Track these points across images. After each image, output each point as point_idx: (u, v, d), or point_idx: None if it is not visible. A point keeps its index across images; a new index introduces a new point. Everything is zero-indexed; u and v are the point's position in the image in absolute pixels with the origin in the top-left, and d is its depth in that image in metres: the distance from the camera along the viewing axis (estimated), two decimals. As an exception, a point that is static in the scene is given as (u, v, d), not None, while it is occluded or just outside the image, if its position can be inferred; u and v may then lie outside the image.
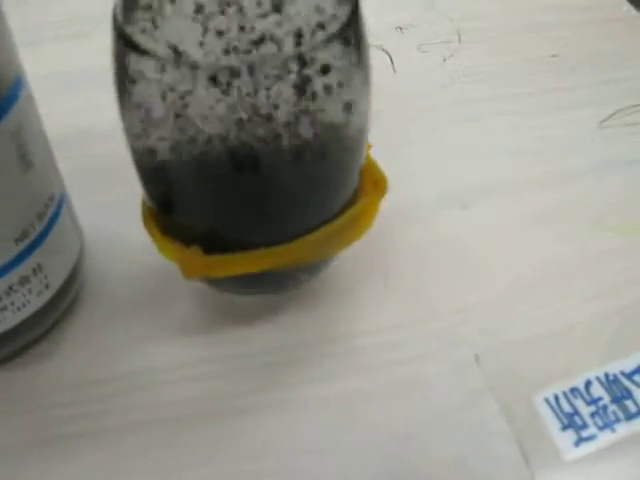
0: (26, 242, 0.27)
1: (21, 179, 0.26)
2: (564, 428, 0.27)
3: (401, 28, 0.43)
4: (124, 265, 0.33)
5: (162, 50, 0.23)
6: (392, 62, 0.36)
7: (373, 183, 0.29)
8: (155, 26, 0.23)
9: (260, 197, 0.25)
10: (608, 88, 0.41)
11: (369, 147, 0.29)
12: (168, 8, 0.23)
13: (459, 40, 0.43)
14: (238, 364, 0.30)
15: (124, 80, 0.23)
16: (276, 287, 0.30)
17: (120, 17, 0.23)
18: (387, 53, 0.36)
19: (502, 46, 0.44)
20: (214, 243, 0.27)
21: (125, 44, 0.23)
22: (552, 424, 0.27)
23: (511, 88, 0.42)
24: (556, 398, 0.28)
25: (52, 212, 0.28)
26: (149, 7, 0.23)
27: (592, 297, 0.31)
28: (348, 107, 0.24)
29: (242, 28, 0.22)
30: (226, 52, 0.23)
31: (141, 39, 0.23)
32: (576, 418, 0.28)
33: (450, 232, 0.34)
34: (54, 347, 0.30)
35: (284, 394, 0.29)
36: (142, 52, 0.22)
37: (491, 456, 0.27)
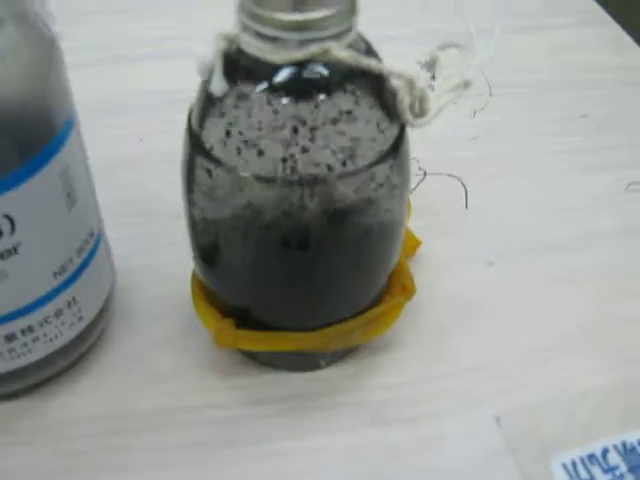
0: (64, 276, 0.27)
1: (66, 216, 0.26)
2: (581, 496, 0.28)
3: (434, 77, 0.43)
4: (152, 300, 0.33)
5: (231, 158, 0.24)
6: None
7: (402, 287, 0.30)
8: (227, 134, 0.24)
9: (295, 284, 0.28)
10: (637, 151, 0.42)
11: (416, 245, 0.33)
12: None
13: (490, 93, 0.43)
14: (258, 411, 0.30)
15: (192, 174, 0.26)
16: (297, 367, 0.31)
17: (195, 122, 0.26)
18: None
19: (532, 102, 0.45)
20: (247, 319, 0.29)
21: (197, 149, 0.25)
22: (569, 491, 0.28)
23: (538, 145, 0.42)
24: (573, 464, 0.28)
25: (90, 247, 0.28)
26: (222, 114, 0.24)
27: (614, 363, 0.32)
28: (388, 219, 0.27)
29: (304, 150, 0.24)
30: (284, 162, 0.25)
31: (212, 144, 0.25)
32: (593, 486, 0.28)
33: (474, 288, 0.34)
34: (78, 379, 0.31)
35: (303, 443, 0.29)
36: (214, 160, 0.25)
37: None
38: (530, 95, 0.46)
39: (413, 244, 0.34)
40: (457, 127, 0.41)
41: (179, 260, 0.33)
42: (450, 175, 0.37)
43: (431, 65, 0.29)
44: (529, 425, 0.30)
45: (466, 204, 0.37)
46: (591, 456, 0.29)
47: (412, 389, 0.31)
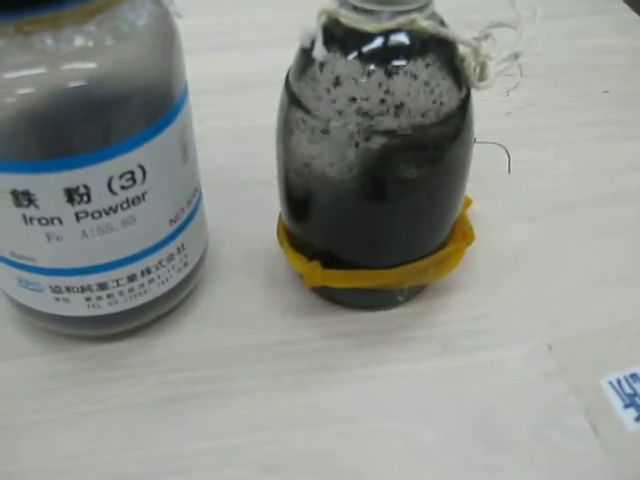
0: (177, 224, 0.31)
1: (181, 169, 0.31)
2: (626, 406, 0.32)
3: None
4: (238, 254, 0.38)
5: (324, 112, 0.29)
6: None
7: (462, 233, 0.35)
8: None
9: (375, 228, 0.32)
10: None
11: (469, 203, 0.36)
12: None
13: (521, 74, 0.48)
14: (340, 344, 0.34)
15: (288, 126, 0.30)
16: (378, 304, 0.35)
17: (293, 81, 0.30)
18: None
19: (558, 81, 0.50)
20: (332, 260, 0.33)
21: (294, 104, 0.30)
22: (616, 402, 0.32)
23: (565, 118, 0.47)
24: (618, 381, 0.33)
25: (196, 200, 0.33)
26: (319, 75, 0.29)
27: (647, 299, 0.36)
28: (456, 171, 0.31)
29: (382, 100, 0.28)
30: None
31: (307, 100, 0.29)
32: (636, 399, 0.32)
33: (521, 240, 0.39)
34: (180, 320, 0.35)
35: (386, 369, 0.33)
36: (308, 112, 0.29)
37: (564, 427, 0.31)
38: (555, 75, 0.50)
39: (466, 203, 0.38)
40: (494, 104, 0.45)
41: (252, 222, 0.38)
42: (495, 143, 0.41)
43: (481, 40, 0.33)
44: (578, 351, 0.34)
45: (509, 169, 0.42)
46: (633, 375, 0.33)
47: (474, 324, 0.35)
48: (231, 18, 0.56)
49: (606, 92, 0.49)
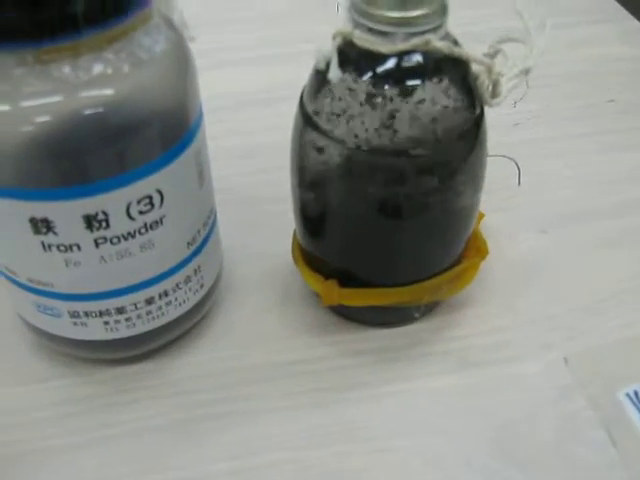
0: (194, 246, 0.31)
1: (198, 192, 0.31)
2: (644, 419, 0.32)
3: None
4: (253, 273, 0.38)
5: (338, 132, 0.29)
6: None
7: (476, 249, 0.35)
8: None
9: (390, 246, 0.32)
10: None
11: (481, 217, 0.36)
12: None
13: (527, 85, 0.48)
14: (355, 362, 0.34)
15: (303, 148, 0.31)
16: (394, 321, 0.36)
17: (307, 102, 0.30)
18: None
19: (563, 92, 0.50)
20: (348, 278, 0.33)
21: (308, 125, 0.30)
22: (633, 414, 0.32)
23: (572, 129, 0.47)
24: (636, 393, 0.33)
25: (211, 222, 0.33)
26: (333, 96, 0.29)
27: (660, 310, 0.36)
28: (470, 189, 0.31)
29: (397, 121, 0.28)
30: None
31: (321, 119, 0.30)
32: (654, 411, 0.32)
33: (533, 253, 0.39)
34: (197, 341, 0.35)
35: (403, 385, 0.33)
36: (323, 133, 0.29)
37: (583, 440, 0.31)
38: (560, 85, 0.51)
39: (479, 217, 0.38)
40: (502, 116, 0.45)
41: (265, 241, 0.39)
42: (505, 156, 0.41)
43: (492, 56, 0.33)
44: (594, 364, 0.34)
45: (519, 181, 0.42)
46: (650, 387, 0.33)
47: (489, 338, 0.35)
48: (236, 35, 0.56)
49: (612, 101, 0.49)
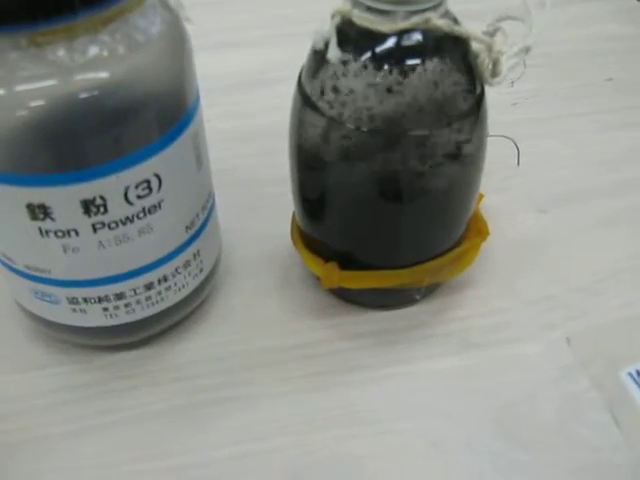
0: (193, 230, 0.31)
1: (196, 176, 0.30)
2: (647, 398, 0.32)
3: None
4: (251, 257, 0.38)
5: (336, 112, 0.29)
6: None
7: (477, 230, 0.35)
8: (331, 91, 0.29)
9: (391, 228, 0.31)
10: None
11: (481, 198, 0.36)
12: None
13: (524, 64, 0.47)
14: (357, 344, 0.34)
15: (301, 127, 0.30)
16: (395, 303, 0.35)
17: (305, 81, 0.30)
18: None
19: (560, 71, 0.50)
20: (348, 261, 0.33)
21: (306, 104, 0.29)
22: (636, 394, 0.32)
23: (570, 108, 0.47)
24: (638, 372, 0.33)
25: (210, 205, 0.32)
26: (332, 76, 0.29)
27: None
28: (471, 169, 0.31)
29: (397, 101, 0.28)
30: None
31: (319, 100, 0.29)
32: (656, 390, 0.32)
33: (532, 233, 0.39)
34: (197, 326, 0.35)
35: (404, 368, 0.33)
36: (321, 113, 0.29)
37: (586, 421, 0.31)
38: (557, 64, 0.50)
39: (478, 198, 0.38)
40: (499, 95, 0.45)
41: (264, 223, 0.38)
42: (504, 136, 0.41)
43: (492, 35, 0.33)
44: (596, 343, 0.34)
45: (518, 161, 0.42)
46: (652, 365, 0.33)
47: (491, 319, 0.35)
48: (231, 15, 0.56)
49: (609, 80, 0.49)
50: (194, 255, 0.32)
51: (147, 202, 0.28)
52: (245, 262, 0.37)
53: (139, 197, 0.28)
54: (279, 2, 0.57)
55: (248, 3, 0.57)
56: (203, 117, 0.31)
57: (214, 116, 0.39)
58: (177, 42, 0.28)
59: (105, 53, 0.25)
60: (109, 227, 0.28)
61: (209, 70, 0.39)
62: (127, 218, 0.28)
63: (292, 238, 0.35)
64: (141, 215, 0.28)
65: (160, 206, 0.29)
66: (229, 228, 0.37)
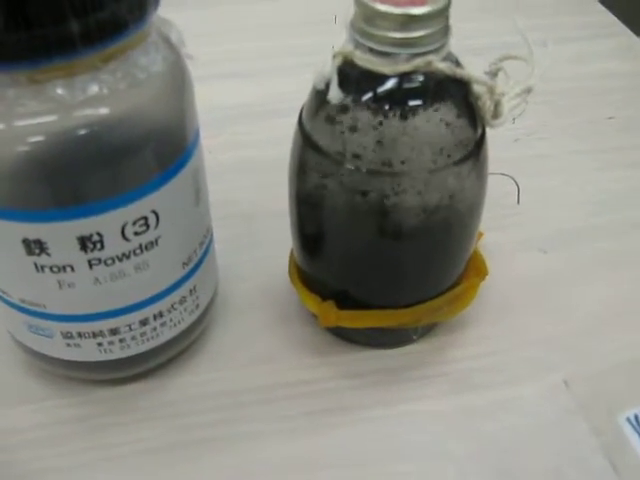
0: (190, 266, 0.31)
1: (194, 212, 0.30)
2: (646, 444, 0.31)
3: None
4: (249, 292, 0.37)
5: (337, 152, 0.29)
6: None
7: (476, 269, 0.34)
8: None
9: (390, 268, 0.31)
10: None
11: (480, 236, 0.36)
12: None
13: (526, 101, 0.47)
14: (352, 384, 0.34)
15: (302, 167, 0.30)
16: (392, 342, 0.35)
17: (306, 121, 0.30)
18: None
19: (562, 108, 0.50)
20: (346, 299, 0.33)
21: (307, 144, 0.29)
22: (634, 440, 0.32)
23: (571, 146, 0.47)
24: (636, 417, 0.32)
25: (208, 241, 0.32)
26: (333, 117, 0.28)
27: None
28: (471, 210, 0.31)
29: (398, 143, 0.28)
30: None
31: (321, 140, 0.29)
32: (655, 436, 0.32)
33: (533, 273, 0.38)
34: (192, 362, 0.34)
35: (401, 408, 0.33)
36: (322, 153, 0.29)
37: (584, 467, 0.31)
38: (559, 101, 0.50)
39: (477, 236, 0.38)
40: (501, 132, 0.45)
41: (263, 257, 0.38)
42: (503, 174, 0.41)
43: (494, 75, 0.33)
44: (595, 387, 0.33)
45: (518, 199, 0.41)
46: (652, 411, 0.33)
47: (488, 359, 0.34)
48: (232, 45, 0.56)
49: (611, 118, 0.48)
50: (190, 291, 0.32)
51: (144, 239, 0.28)
52: (243, 298, 0.37)
53: (136, 234, 0.28)
54: (281, 33, 0.57)
55: (250, 34, 0.57)
56: (203, 152, 0.31)
57: (215, 147, 0.39)
58: (178, 80, 0.28)
59: (105, 91, 0.25)
60: (105, 263, 0.28)
61: (211, 101, 0.39)
62: (123, 254, 0.28)
63: (290, 275, 0.35)
64: (138, 251, 0.28)
65: (157, 242, 0.28)
66: (227, 263, 0.36)
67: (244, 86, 0.52)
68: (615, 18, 0.59)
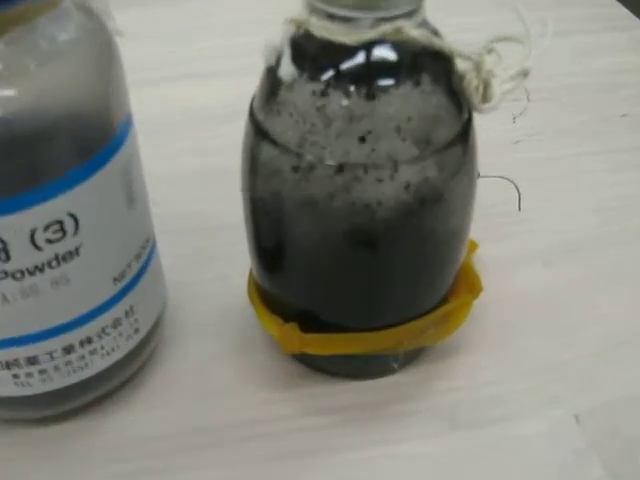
0: (123, 282, 0.26)
1: (126, 216, 0.26)
2: (672, 492, 0.26)
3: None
4: (203, 314, 0.33)
5: (295, 144, 0.24)
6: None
7: (468, 285, 0.30)
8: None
9: (362, 283, 0.27)
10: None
11: (474, 248, 0.33)
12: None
13: (528, 98, 0.43)
14: (323, 421, 0.29)
15: (255, 163, 0.26)
16: (369, 372, 0.31)
17: (258, 110, 0.25)
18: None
19: (569, 105, 0.46)
20: (312, 321, 0.28)
21: (260, 137, 0.25)
22: (660, 487, 0.26)
23: (580, 147, 0.43)
24: (660, 460, 0.27)
25: (147, 254, 0.28)
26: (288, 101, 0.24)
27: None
28: (457, 214, 0.27)
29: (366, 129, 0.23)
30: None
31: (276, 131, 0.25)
32: (684, 482, 0.27)
33: (535, 289, 0.34)
34: (133, 397, 0.30)
35: (380, 450, 0.28)
36: (279, 146, 0.24)
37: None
38: (565, 99, 0.46)
39: (471, 247, 0.33)
40: (500, 132, 0.41)
41: (223, 275, 0.34)
42: (502, 177, 0.36)
43: (484, 54, 0.28)
44: (610, 421, 0.29)
45: (519, 206, 0.37)
46: (678, 451, 0.28)
47: (484, 392, 0.30)
48: (197, 45, 0.51)
49: (625, 116, 0.44)
50: (126, 312, 0.27)
51: (60, 248, 0.23)
52: (195, 322, 0.32)
53: (49, 241, 0.23)
54: (242, 32, 0.52)
55: (220, 30, 0.53)
56: (138, 144, 0.26)
57: (179, 152, 0.35)
58: (100, 55, 0.23)
59: (3, 65, 0.20)
60: (13, 277, 0.23)
61: (174, 103, 0.35)
62: (35, 267, 0.23)
63: (249, 294, 0.30)
64: (53, 264, 0.24)
65: (78, 252, 0.24)
66: (180, 280, 0.32)
67: (214, 86, 0.47)
68: (627, 10, 0.55)
